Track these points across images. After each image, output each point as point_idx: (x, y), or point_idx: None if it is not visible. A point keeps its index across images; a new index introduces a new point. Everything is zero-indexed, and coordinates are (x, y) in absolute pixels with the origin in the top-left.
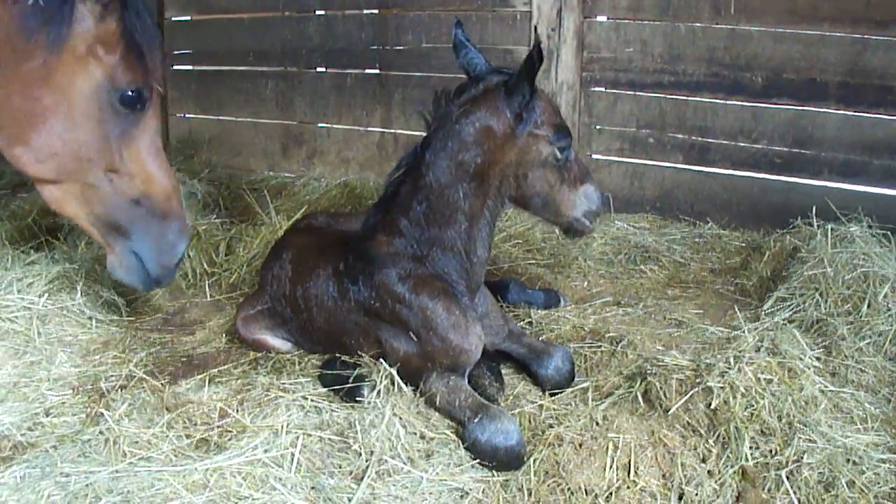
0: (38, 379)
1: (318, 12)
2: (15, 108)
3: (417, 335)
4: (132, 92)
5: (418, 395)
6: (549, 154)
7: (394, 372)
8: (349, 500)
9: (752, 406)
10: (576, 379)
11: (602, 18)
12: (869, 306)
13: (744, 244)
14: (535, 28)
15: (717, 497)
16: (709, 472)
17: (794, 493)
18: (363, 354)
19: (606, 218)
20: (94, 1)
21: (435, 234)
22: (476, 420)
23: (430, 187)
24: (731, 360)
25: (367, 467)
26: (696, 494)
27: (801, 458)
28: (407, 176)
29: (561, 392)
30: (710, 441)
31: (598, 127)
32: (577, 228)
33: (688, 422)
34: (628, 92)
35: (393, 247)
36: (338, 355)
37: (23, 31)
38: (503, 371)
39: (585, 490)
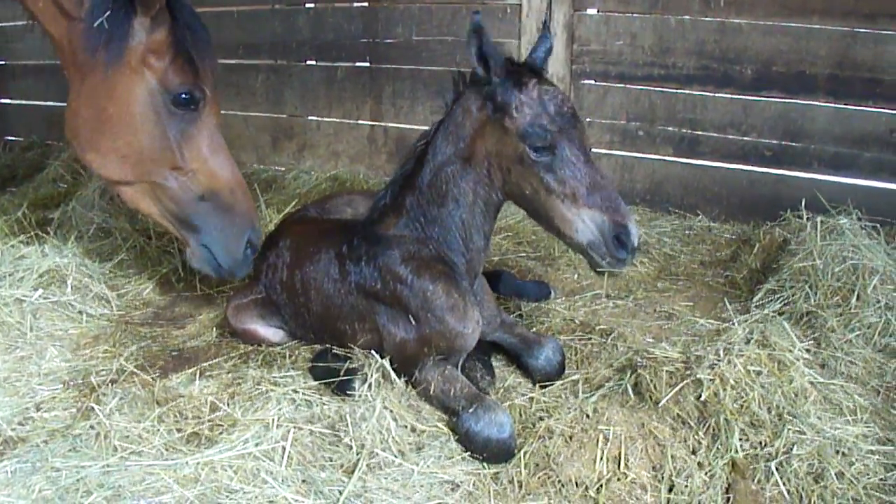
0: (29, 373)
1: (307, 5)
2: (85, 118)
3: (416, 317)
4: (184, 94)
5: (412, 384)
6: (521, 151)
7: (385, 363)
8: (340, 493)
9: (742, 398)
10: (565, 371)
11: (592, 11)
12: (858, 298)
13: (734, 237)
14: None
15: (707, 489)
16: (699, 463)
17: (784, 484)
18: (354, 347)
19: None
20: (145, 15)
21: (435, 214)
22: (471, 410)
23: (430, 165)
24: (721, 352)
25: (358, 460)
26: (686, 486)
27: (791, 449)
28: (419, 156)
29: (551, 384)
30: (700, 433)
31: (588, 120)
32: (588, 260)
33: (678, 414)
34: (618, 85)
35: (399, 228)
36: (329, 347)
37: (86, 49)
38: (494, 364)
39: (576, 482)
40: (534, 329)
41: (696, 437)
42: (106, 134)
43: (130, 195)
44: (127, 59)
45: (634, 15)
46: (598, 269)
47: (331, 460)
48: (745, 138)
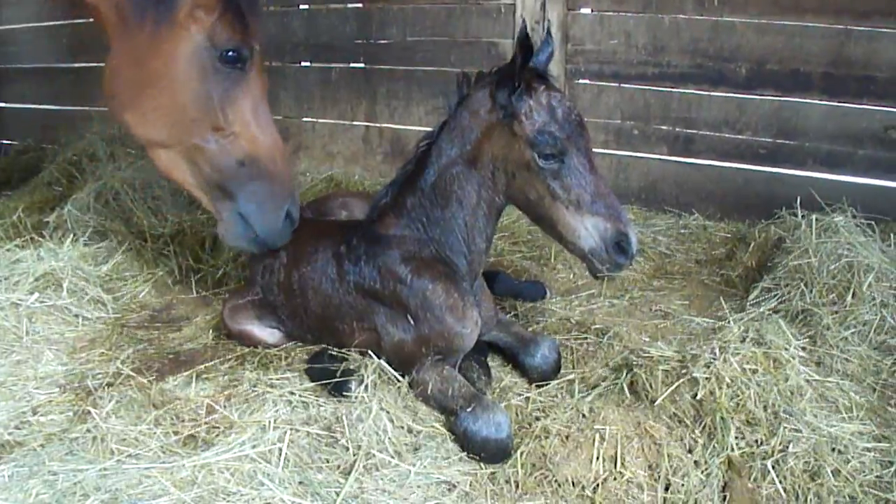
0: (25, 377)
1: (301, 6)
2: (126, 76)
3: (415, 317)
4: (232, 51)
5: (410, 383)
6: (529, 158)
7: (383, 363)
8: (337, 494)
9: (738, 396)
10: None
11: (586, 11)
12: (854, 296)
13: (729, 235)
14: (523, 19)
15: (704, 487)
16: (695, 462)
17: (780, 482)
18: (351, 348)
19: None
20: None
21: (437, 216)
22: (469, 409)
23: (434, 166)
24: (717, 350)
25: (355, 461)
26: (683, 485)
27: (787, 447)
28: (421, 157)
29: (547, 383)
30: (696, 431)
31: None
32: (587, 266)
33: (674, 413)
34: (613, 84)
35: (399, 229)
36: (325, 348)
37: (136, 8)
38: (490, 364)
39: (572, 482)
40: (530, 329)
41: (692, 435)
42: (148, 92)
43: (166, 160)
44: (175, 14)
45: (628, 14)
46: (597, 275)
47: (327, 462)
48: (740, 136)
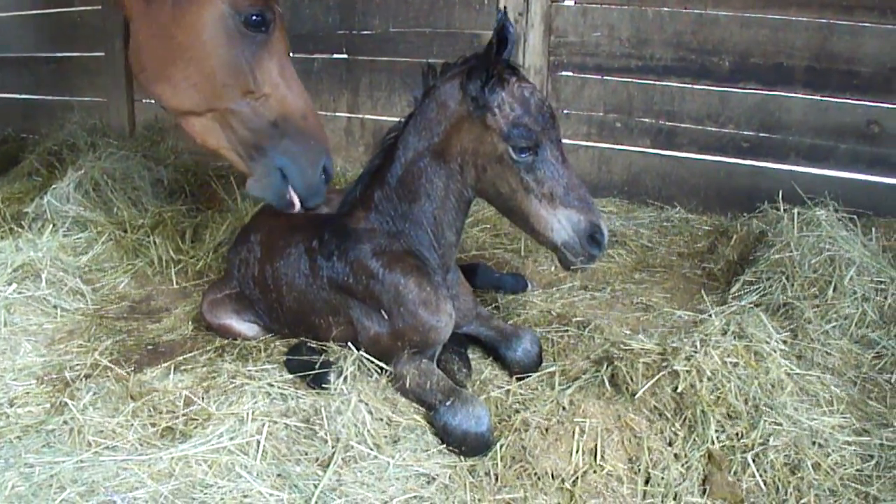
0: (3, 369)
1: None
2: (154, 49)
3: (388, 312)
4: (255, 15)
5: (386, 376)
6: (503, 151)
7: (364, 354)
8: (315, 486)
9: (719, 389)
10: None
11: (569, 3)
12: (835, 290)
13: (711, 228)
14: (505, 10)
15: (684, 480)
16: (675, 455)
17: (761, 475)
18: (330, 342)
19: None
20: None
21: (406, 210)
22: (448, 403)
23: (400, 161)
24: (698, 343)
25: (334, 454)
26: (663, 478)
27: (767, 440)
28: (388, 149)
29: (528, 376)
30: (677, 425)
31: (565, 111)
32: (559, 258)
33: (654, 406)
34: (596, 76)
35: (368, 222)
36: (304, 340)
37: None
38: (470, 356)
39: (552, 475)
40: (511, 321)
41: (672, 428)
42: (177, 63)
43: (199, 127)
44: None
45: (612, 6)
46: (570, 267)
47: (306, 454)
48: (723, 130)
